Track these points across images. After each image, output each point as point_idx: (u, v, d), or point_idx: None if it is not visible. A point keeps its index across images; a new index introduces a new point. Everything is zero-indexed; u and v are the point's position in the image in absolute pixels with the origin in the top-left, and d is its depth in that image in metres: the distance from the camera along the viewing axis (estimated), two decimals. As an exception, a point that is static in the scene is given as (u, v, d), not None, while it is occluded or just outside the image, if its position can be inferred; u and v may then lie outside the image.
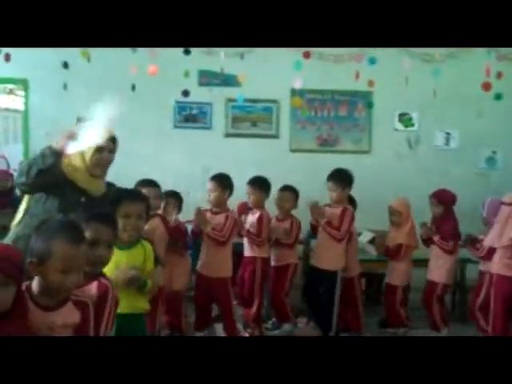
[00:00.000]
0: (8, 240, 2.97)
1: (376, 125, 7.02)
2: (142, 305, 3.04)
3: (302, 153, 6.94)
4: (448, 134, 7.03)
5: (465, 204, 5.39)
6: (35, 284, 2.13)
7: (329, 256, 4.99)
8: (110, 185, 3.34)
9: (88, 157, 3.08)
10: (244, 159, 6.78)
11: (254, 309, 5.10)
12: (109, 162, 3.18)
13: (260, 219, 5.05)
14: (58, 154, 2.97)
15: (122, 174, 4.71)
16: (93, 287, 2.40)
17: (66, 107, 6.52)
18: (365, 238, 5.85)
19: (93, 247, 2.45)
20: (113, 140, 3.23)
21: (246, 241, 5.16)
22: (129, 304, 2.86)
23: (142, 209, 3.11)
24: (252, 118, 6.95)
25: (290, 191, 5.26)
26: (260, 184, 5.20)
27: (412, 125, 7.03)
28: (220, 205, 4.80)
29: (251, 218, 5.11)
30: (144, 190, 3.93)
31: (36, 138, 6.46)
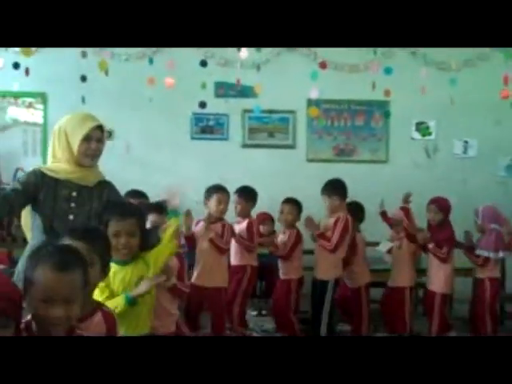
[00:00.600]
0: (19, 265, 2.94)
1: (393, 134, 7.00)
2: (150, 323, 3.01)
3: (318, 163, 6.93)
4: (466, 142, 6.99)
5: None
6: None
7: (321, 266, 5.07)
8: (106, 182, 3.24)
9: (75, 147, 3.00)
10: (261, 170, 6.79)
11: (236, 311, 5.16)
12: (97, 151, 3.10)
13: (250, 226, 5.15)
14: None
15: (140, 184, 4.76)
16: (98, 320, 2.25)
17: (85, 120, 6.59)
18: (384, 247, 5.82)
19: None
20: (100, 129, 3.12)
21: (233, 250, 5.18)
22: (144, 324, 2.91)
23: (133, 225, 2.88)
24: (269, 129, 6.97)
25: (292, 204, 5.27)
26: (247, 194, 5.27)
27: (429, 134, 7.00)
28: (246, 216, 5.18)
29: (239, 227, 5.16)
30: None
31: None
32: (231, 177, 6.57)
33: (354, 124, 6.99)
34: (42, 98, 6.79)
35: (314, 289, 5.18)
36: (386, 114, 6.74)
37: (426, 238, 5.12)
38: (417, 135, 7.01)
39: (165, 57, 6.14)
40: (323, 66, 5.97)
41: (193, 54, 6.49)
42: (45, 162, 6.60)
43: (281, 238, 5.30)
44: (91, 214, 3.02)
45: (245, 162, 6.85)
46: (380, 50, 6.24)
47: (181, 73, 5.81)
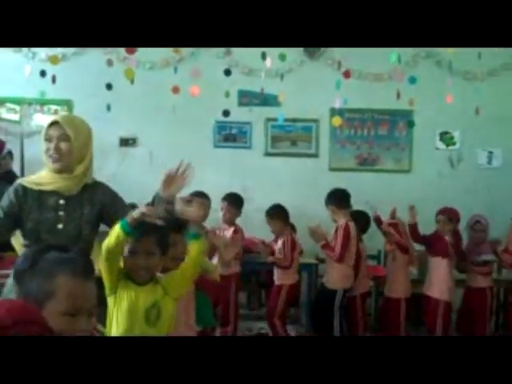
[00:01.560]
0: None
1: (417, 143, 6.96)
2: None
3: (341, 172, 6.92)
4: (491, 152, 6.92)
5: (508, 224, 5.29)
6: None
7: (331, 276, 5.14)
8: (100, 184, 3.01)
9: (88, 157, 2.92)
10: (284, 178, 6.80)
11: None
12: (59, 151, 2.77)
13: (236, 233, 5.24)
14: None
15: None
16: None
17: (109, 128, 6.66)
18: None
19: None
20: (61, 126, 2.80)
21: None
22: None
23: (152, 243, 2.67)
24: (292, 137, 6.97)
25: (278, 212, 5.31)
26: (235, 201, 5.38)
27: (454, 143, 6.95)
28: (231, 223, 5.29)
29: (226, 234, 5.20)
30: None
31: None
32: (254, 185, 6.59)
33: (378, 133, 6.97)
34: (68, 105, 6.87)
35: (320, 296, 5.29)
36: (410, 124, 6.71)
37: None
38: (441, 145, 6.97)
39: (189, 65, 6.19)
40: (347, 75, 5.97)
41: (217, 63, 6.54)
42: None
43: (277, 245, 5.32)
44: (82, 221, 2.83)
45: (267, 171, 6.86)
46: (404, 59, 6.22)
47: (205, 81, 5.84)
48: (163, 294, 2.70)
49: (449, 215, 5.16)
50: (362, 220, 5.42)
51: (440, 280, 5.08)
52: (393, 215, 5.21)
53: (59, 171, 2.82)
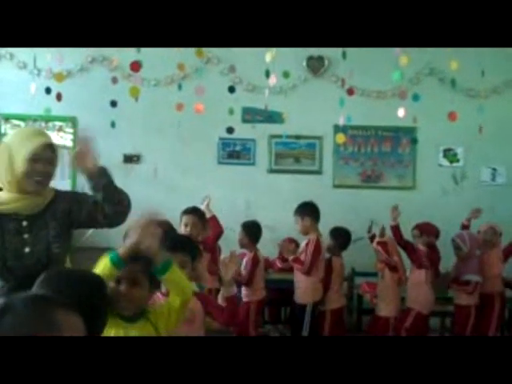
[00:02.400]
0: None
1: (420, 160, 6.97)
2: None
3: (345, 189, 6.92)
4: (494, 169, 6.92)
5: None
6: None
7: (299, 290, 5.16)
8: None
9: (18, 168, 2.47)
10: (287, 195, 6.80)
11: None
12: (46, 174, 2.55)
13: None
14: None
15: (167, 208, 4.79)
16: None
17: (114, 144, 6.69)
18: None
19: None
20: (51, 148, 2.57)
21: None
22: None
23: (138, 271, 2.29)
24: (295, 154, 6.98)
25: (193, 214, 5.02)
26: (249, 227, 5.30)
27: (457, 160, 6.96)
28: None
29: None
30: None
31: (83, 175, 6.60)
32: (257, 201, 6.60)
33: (381, 150, 6.98)
34: (72, 122, 6.90)
35: (292, 313, 5.32)
36: (414, 141, 6.72)
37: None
38: (444, 162, 6.97)
39: (193, 82, 6.22)
40: (351, 92, 6.00)
41: (221, 80, 6.58)
42: (73, 185, 6.76)
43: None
44: (50, 239, 2.58)
45: (271, 187, 6.86)
46: (407, 76, 6.24)
47: (209, 98, 5.87)
48: (154, 332, 2.32)
49: (420, 229, 5.26)
50: (342, 237, 5.44)
51: (416, 291, 5.11)
52: (382, 234, 5.20)
53: (34, 193, 2.56)
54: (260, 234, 5.31)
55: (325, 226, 5.43)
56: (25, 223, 2.54)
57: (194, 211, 4.76)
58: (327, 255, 5.27)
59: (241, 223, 5.41)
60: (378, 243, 5.18)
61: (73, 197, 2.74)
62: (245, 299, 5.23)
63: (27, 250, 2.53)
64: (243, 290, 5.25)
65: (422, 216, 5.69)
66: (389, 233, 5.16)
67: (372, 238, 5.41)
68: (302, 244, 5.17)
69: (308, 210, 5.20)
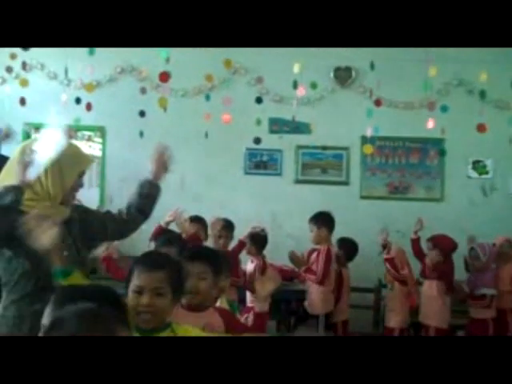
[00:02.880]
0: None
1: (449, 172, 6.90)
2: None
3: (372, 200, 6.89)
4: (524, 181, 6.84)
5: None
6: None
7: (312, 301, 5.13)
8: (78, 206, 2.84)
9: (69, 183, 2.61)
10: (314, 206, 6.76)
11: None
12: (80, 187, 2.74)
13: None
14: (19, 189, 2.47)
15: (194, 219, 4.82)
16: None
17: (142, 154, 6.72)
18: None
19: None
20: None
21: None
22: None
23: (162, 280, 2.14)
24: (322, 165, 6.97)
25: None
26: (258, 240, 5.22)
27: (486, 172, 6.88)
28: None
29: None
30: None
31: (111, 184, 6.69)
32: (283, 212, 6.59)
33: (409, 161, 6.93)
34: (101, 131, 6.99)
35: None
36: (442, 152, 6.67)
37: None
38: (473, 173, 6.89)
39: (221, 93, 6.27)
40: (378, 103, 5.99)
41: (248, 91, 6.61)
42: (102, 193, 6.83)
43: (248, 266, 5.26)
44: (78, 245, 2.67)
45: (297, 198, 6.85)
46: (436, 87, 6.21)
47: (236, 109, 5.90)
48: None
49: (434, 242, 5.14)
50: (349, 248, 5.43)
51: (429, 304, 5.06)
52: (388, 250, 5.17)
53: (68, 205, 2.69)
54: (266, 242, 5.28)
55: (352, 236, 5.42)
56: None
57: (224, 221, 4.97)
58: (335, 266, 5.25)
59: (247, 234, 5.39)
60: (386, 260, 5.17)
61: (82, 208, 2.85)
62: (261, 310, 5.21)
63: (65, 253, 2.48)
64: (249, 296, 5.22)
65: (450, 228, 5.63)
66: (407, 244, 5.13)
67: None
68: (313, 255, 5.13)
69: (325, 221, 5.18)
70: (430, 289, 5.07)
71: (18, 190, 2.44)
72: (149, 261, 2.21)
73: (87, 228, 2.76)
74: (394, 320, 5.22)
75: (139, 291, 2.10)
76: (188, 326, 2.21)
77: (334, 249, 5.20)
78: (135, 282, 2.12)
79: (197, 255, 2.64)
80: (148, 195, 3.02)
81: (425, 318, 5.12)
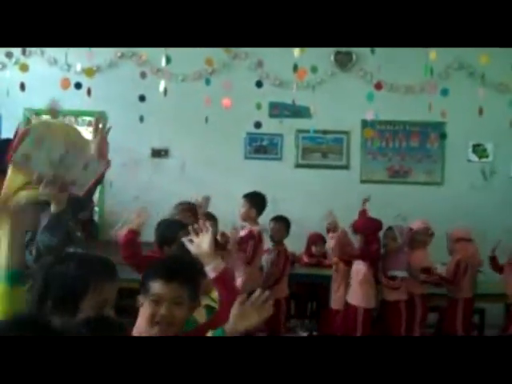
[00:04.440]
0: None
1: (449, 156, 6.90)
2: None
3: (372, 184, 6.89)
4: (525, 165, 6.84)
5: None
6: None
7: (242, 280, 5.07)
8: None
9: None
10: (314, 190, 6.79)
11: None
12: None
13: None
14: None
15: (195, 203, 4.83)
16: None
17: (142, 139, 6.76)
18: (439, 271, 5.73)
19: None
20: None
21: None
22: None
23: (181, 288, 2.12)
24: (322, 149, 6.97)
25: (282, 222, 5.38)
26: (253, 199, 5.30)
27: (487, 156, 6.88)
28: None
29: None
30: None
31: (111, 168, 6.66)
32: (284, 197, 6.60)
33: (409, 145, 6.93)
34: (102, 117, 6.96)
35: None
36: (442, 136, 6.66)
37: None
38: (474, 157, 6.89)
39: (221, 77, 6.26)
40: (379, 87, 5.97)
41: (248, 75, 6.59)
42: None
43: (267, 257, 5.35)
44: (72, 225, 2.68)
45: (298, 183, 6.86)
46: (436, 70, 6.19)
47: (236, 93, 5.89)
48: None
49: (354, 228, 5.23)
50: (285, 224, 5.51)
51: (353, 284, 5.11)
52: (334, 228, 5.17)
53: None
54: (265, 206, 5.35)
55: (352, 221, 5.41)
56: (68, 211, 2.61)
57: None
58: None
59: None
60: (332, 238, 5.21)
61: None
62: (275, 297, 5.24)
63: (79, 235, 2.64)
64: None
65: (451, 212, 5.66)
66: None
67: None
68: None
69: (258, 203, 5.23)
70: (357, 270, 5.09)
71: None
72: (166, 270, 2.15)
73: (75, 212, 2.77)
74: (337, 302, 5.25)
75: (157, 300, 2.06)
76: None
77: (257, 228, 5.18)
78: (152, 291, 2.08)
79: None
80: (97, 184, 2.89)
81: (351, 298, 5.14)
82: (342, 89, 6.81)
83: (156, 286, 2.08)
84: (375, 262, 5.12)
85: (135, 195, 6.10)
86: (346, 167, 6.98)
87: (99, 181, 2.73)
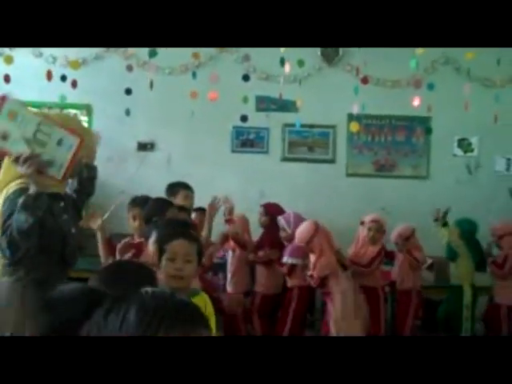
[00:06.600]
0: None
1: (434, 150, 6.94)
2: None
3: (358, 177, 6.92)
4: (509, 159, 6.88)
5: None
6: None
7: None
8: None
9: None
10: (300, 184, 6.81)
11: None
12: None
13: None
14: None
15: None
16: None
17: (128, 132, 6.73)
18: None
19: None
20: None
21: None
22: None
23: (191, 247, 2.51)
24: (309, 143, 6.98)
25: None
26: None
27: (471, 150, 6.92)
28: None
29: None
30: None
31: (97, 162, 6.64)
32: (270, 190, 6.61)
33: (395, 139, 6.96)
34: (87, 109, 6.94)
35: None
36: (428, 130, 6.69)
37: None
38: (459, 151, 6.94)
39: (208, 71, 6.23)
40: (365, 81, 5.98)
41: (235, 68, 6.58)
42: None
43: None
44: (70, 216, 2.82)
45: (284, 176, 6.87)
46: (423, 65, 6.21)
47: (223, 87, 5.87)
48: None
49: (264, 209, 5.47)
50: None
51: (258, 270, 5.35)
52: (229, 213, 5.20)
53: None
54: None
55: (338, 214, 5.45)
56: (62, 203, 2.71)
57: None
58: None
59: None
60: (227, 221, 5.23)
61: None
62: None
63: (73, 230, 2.71)
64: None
65: (436, 206, 5.67)
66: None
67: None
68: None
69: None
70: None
71: None
72: (183, 233, 2.54)
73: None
74: (236, 287, 5.33)
75: (172, 258, 2.42)
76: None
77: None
78: (171, 250, 2.44)
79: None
80: (88, 178, 3.03)
81: (257, 285, 5.32)
82: (329, 83, 6.81)
83: (172, 246, 2.44)
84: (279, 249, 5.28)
85: (121, 189, 6.08)
86: (332, 161, 6.99)
87: (76, 162, 2.67)
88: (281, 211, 5.42)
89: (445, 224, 5.26)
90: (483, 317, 5.48)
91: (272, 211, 5.43)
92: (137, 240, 3.74)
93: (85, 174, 2.87)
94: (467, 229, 5.34)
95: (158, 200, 3.98)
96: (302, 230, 4.83)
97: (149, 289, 1.13)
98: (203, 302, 2.50)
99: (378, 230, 5.09)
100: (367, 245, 5.09)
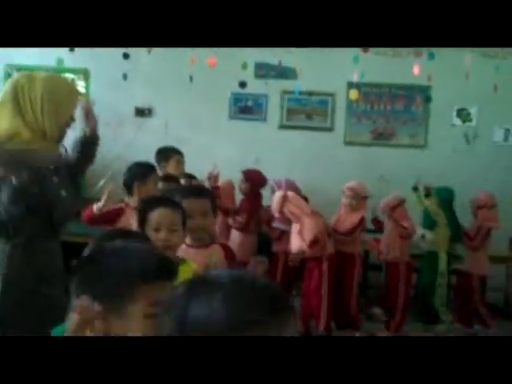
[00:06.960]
0: None
1: (433, 119, 6.91)
2: None
3: (356, 146, 6.90)
4: (507, 129, 6.87)
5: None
6: None
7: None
8: None
9: (64, 119, 2.68)
10: (298, 151, 6.80)
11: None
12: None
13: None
14: None
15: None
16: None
17: (126, 97, 6.69)
18: (418, 232, 5.78)
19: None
20: None
21: None
22: None
23: (207, 203, 2.75)
24: (307, 111, 6.95)
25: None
26: None
27: (470, 120, 6.90)
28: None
29: None
30: None
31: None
32: (267, 158, 6.60)
33: (394, 108, 6.93)
34: (84, 74, 6.88)
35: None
36: (427, 99, 6.66)
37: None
38: (457, 121, 6.91)
39: (206, 36, 6.16)
40: (365, 49, 5.93)
41: (234, 34, 6.51)
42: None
43: None
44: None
45: (282, 144, 6.85)
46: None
47: (222, 53, 5.82)
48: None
49: (244, 175, 5.38)
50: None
51: (232, 238, 5.26)
52: (214, 180, 5.16)
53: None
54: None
55: (335, 182, 5.44)
56: (51, 167, 2.62)
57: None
58: None
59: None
60: (213, 189, 5.10)
61: None
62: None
63: (64, 193, 2.64)
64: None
65: (433, 174, 5.69)
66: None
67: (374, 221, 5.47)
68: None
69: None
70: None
71: None
72: (165, 201, 2.49)
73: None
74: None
75: (157, 228, 2.37)
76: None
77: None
78: (154, 220, 2.38)
79: (202, 192, 2.93)
80: (90, 145, 2.90)
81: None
82: (329, 50, 6.74)
83: (155, 216, 2.39)
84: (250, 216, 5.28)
85: (117, 154, 6.06)
86: (331, 129, 6.97)
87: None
88: (261, 178, 5.39)
89: (427, 195, 5.27)
90: (454, 286, 5.52)
91: (252, 178, 5.37)
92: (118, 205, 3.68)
93: (85, 139, 2.83)
94: (445, 197, 5.33)
95: (139, 164, 3.80)
96: (273, 201, 4.91)
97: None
98: (189, 269, 2.43)
99: (354, 197, 5.08)
100: (347, 213, 5.11)
